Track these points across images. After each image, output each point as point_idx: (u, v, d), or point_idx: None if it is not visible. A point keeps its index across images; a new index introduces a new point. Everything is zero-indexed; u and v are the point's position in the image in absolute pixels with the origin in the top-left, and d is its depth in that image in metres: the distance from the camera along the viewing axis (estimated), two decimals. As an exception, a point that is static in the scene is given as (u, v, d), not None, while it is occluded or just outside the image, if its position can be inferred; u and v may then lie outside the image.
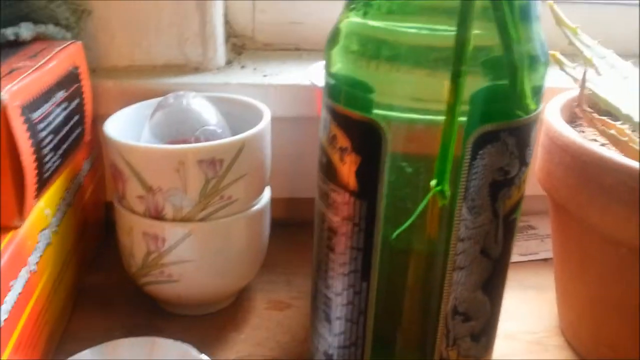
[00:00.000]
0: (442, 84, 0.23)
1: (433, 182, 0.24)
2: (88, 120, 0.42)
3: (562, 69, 0.36)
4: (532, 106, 0.25)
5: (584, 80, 0.34)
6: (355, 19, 0.24)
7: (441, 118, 0.23)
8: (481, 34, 0.23)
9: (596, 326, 0.38)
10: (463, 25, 0.23)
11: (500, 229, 0.25)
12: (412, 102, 0.23)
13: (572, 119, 0.40)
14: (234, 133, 0.41)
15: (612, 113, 0.37)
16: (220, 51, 0.48)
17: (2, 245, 0.30)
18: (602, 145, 0.37)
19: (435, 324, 0.26)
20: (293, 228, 0.52)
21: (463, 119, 0.24)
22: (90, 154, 0.44)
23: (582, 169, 0.34)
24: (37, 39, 0.40)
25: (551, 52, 0.36)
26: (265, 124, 0.40)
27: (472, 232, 0.25)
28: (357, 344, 0.27)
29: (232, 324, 0.42)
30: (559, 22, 0.40)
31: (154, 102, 0.42)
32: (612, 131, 0.35)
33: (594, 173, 0.33)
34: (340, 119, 0.25)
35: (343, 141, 0.25)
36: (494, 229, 0.25)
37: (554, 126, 0.37)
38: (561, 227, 0.39)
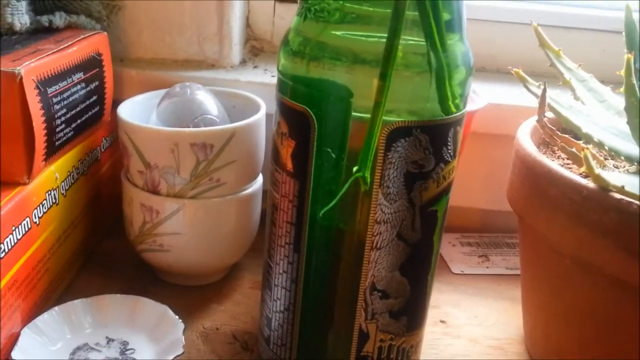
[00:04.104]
0: (370, 83, 0.26)
1: (355, 169, 0.27)
2: (108, 101, 0.47)
3: (524, 85, 0.38)
4: (452, 109, 0.28)
5: (543, 96, 0.36)
6: (297, 22, 0.28)
7: (367, 115, 0.27)
8: (409, 40, 0.27)
9: (546, 334, 0.40)
10: (393, 30, 0.26)
11: (417, 218, 0.28)
12: (339, 97, 0.27)
13: (545, 141, 0.42)
14: (235, 124, 0.46)
15: (575, 133, 0.39)
16: (235, 51, 0.52)
17: (10, 196, 0.36)
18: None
19: (356, 297, 0.29)
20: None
21: (388, 116, 0.27)
22: (110, 133, 0.50)
23: (533, 180, 0.36)
24: (69, 27, 0.45)
25: (515, 69, 0.38)
26: (258, 116, 0.44)
27: (389, 217, 0.28)
28: (290, 310, 0.31)
29: (216, 297, 0.46)
30: (542, 44, 0.42)
31: (164, 91, 0.47)
32: (573, 149, 0.37)
33: (542, 184, 0.35)
34: (283, 109, 0.29)
35: (284, 127, 0.29)
36: (410, 216, 0.28)
37: (518, 140, 0.39)
38: (522, 236, 0.41)
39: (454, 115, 0.28)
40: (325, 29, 0.27)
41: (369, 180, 0.27)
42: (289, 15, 0.56)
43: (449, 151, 0.28)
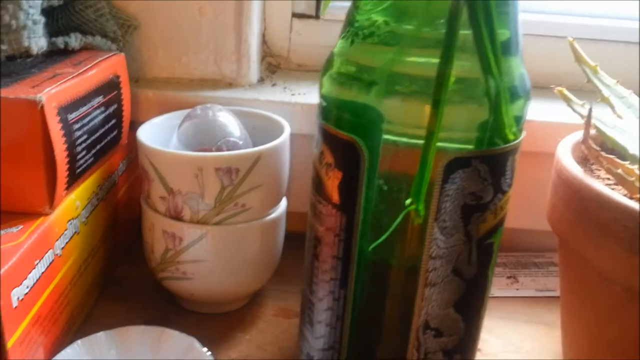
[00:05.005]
0: (422, 110, 0.25)
1: (408, 201, 0.25)
2: (126, 124, 0.46)
3: (569, 105, 0.37)
4: (510, 136, 0.26)
5: (589, 117, 0.35)
6: (342, 46, 0.26)
7: (420, 142, 0.25)
8: (463, 65, 0.25)
9: (591, 364, 0.38)
10: (445, 56, 0.25)
11: (474, 252, 0.27)
12: (392, 126, 0.25)
13: (587, 158, 0.41)
14: (257, 146, 0.44)
15: (619, 152, 0.37)
16: (253, 69, 0.51)
17: (32, 229, 0.34)
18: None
19: (408, 337, 0.28)
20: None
21: (442, 144, 0.25)
22: (127, 155, 0.48)
23: (580, 204, 0.35)
24: (84, 48, 0.44)
25: (558, 88, 0.37)
26: (283, 138, 0.42)
27: (444, 252, 0.26)
28: (335, 348, 0.29)
29: (241, 326, 0.45)
30: (578, 59, 0.40)
31: (184, 112, 0.45)
32: (619, 170, 0.35)
33: (591, 208, 0.34)
34: (327, 137, 0.27)
35: (329, 157, 0.27)
36: (466, 250, 0.26)
37: (560, 161, 0.37)
38: (564, 261, 0.40)
39: (513, 143, 0.26)
40: (375, 53, 0.26)
41: (422, 213, 0.25)
42: (305, 31, 0.55)
43: (507, 180, 0.27)
